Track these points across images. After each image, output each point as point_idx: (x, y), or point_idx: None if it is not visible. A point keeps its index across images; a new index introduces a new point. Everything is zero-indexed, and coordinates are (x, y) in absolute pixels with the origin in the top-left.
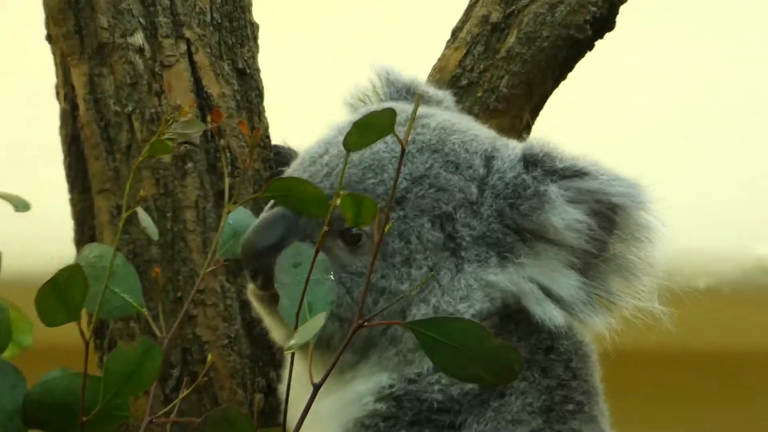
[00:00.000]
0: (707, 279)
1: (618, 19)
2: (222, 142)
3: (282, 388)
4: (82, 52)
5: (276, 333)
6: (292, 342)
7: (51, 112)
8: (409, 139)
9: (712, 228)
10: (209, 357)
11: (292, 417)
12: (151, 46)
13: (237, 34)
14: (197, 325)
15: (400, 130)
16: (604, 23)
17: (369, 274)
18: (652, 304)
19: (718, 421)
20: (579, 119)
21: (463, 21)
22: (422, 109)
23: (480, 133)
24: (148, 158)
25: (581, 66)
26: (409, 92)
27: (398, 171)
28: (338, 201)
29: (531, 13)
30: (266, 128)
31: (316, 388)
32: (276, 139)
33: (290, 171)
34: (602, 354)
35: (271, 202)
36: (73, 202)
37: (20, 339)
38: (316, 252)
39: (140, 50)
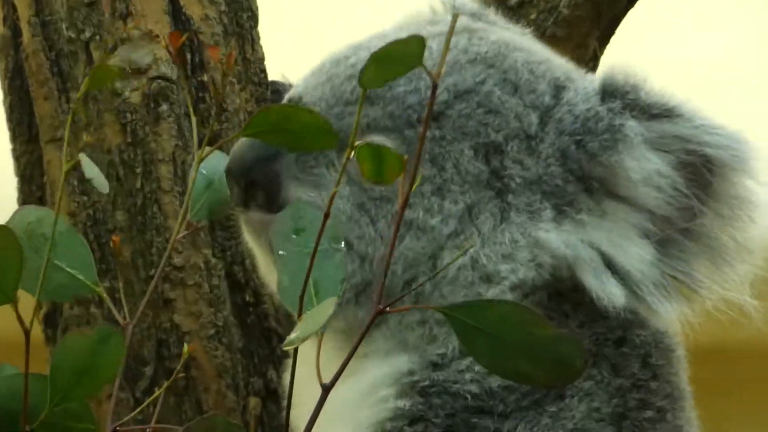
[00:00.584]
0: None
1: None
2: (205, 77)
3: (284, 382)
4: None
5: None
6: (294, 335)
7: None
8: (450, 60)
9: None
10: (185, 348)
11: (295, 418)
12: None
13: None
14: (175, 310)
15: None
16: None
17: (392, 245)
18: (741, 296)
19: None
20: (660, 50)
21: None
22: (479, 25)
23: (552, 59)
24: (111, 97)
25: None
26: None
27: (428, 112)
28: (352, 153)
29: None
30: (261, 60)
31: (326, 390)
32: (273, 74)
33: (306, 76)
34: (691, 350)
35: None
36: (17, 154)
37: None
38: (326, 217)
39: None
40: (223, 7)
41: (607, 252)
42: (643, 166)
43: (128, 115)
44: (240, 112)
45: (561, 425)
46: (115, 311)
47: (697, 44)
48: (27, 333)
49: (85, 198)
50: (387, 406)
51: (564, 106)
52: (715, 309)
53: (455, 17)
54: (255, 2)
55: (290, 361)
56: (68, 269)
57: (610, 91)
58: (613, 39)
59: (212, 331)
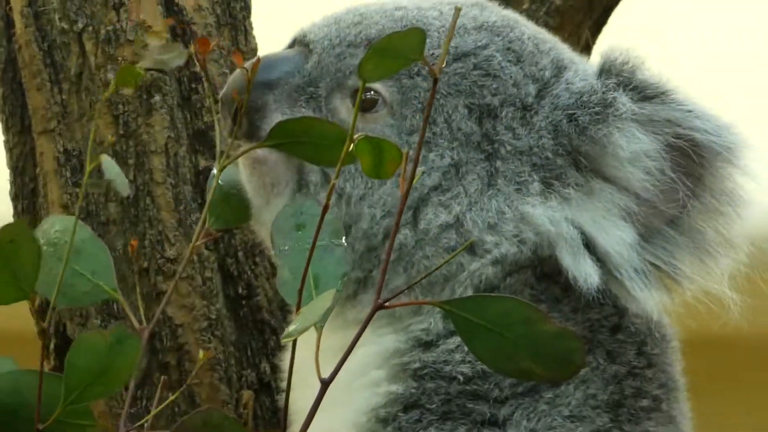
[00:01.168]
0: None
1: None
2: (197, 68)
3: (283, 366)
4: None
5: (264, 212)
6: (292, 327)
7: None
8: (458, 25)
9: None
10: (201, 354)
11: (292, 401)
12: None
13: None
14: (168, 303)
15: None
16: None
17: (391, 241)
18: (722, 288)
19: None
20: (655, 40)
21: None
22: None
23: (559, 43)
24: (104, 88)
25: None
26: None
27: (428, 107)
28: (351, 146)
29: None
30: (254, 51)
31: (325, 384)
32: None
33: (311, 24)
34: (685, 341)
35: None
36: (9, 146)
37: None
38: (324, 211)
39: None
40: None
41: (588, 232)
42: (632, 145)
43: (120, 106)
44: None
45: (557, 412)
46: (132, 316)
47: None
48: (44, 332)
49: (78, 190)
50: (379, 390)
51: (563, 83)
52: (696, 300)
53: (457, 11)
54: None
55: (285, 353)
56: (90, 276)
57: (606, 69)
58: (606, 28)
59: (205, 324)
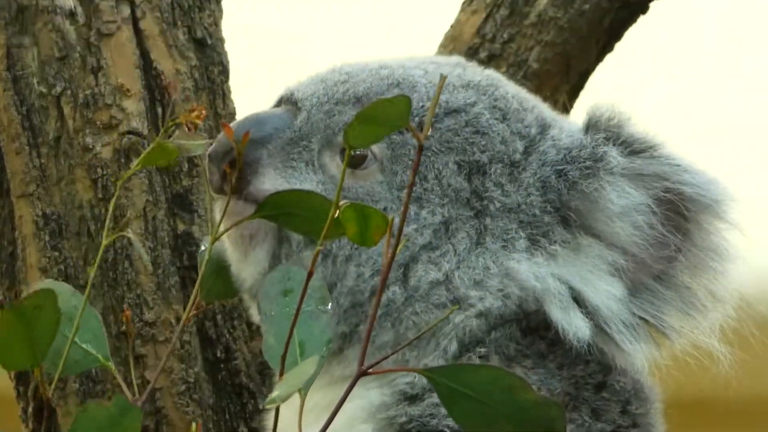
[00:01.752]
0: None
1: None
2: (176, 131)
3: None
4: None
5: (243, 268)
6: (275, 393)
7: None
8: (443, 100)
9: None
10: (193, 427)
11: None
12: (86, 9)
13: None
14: (146, 366)
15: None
16: None
17: (378, 297)
18: (711, 342)
19: None
20: (632, 101)
21: None
22: (472, 63)
23: (540, 102)
24: (82, 152)
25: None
26: None
27: (415, 168)
28: (338, 212)
29: None
30: (232, 114)
31: None
32: None
33: (297, 83)
34: (668, 402)
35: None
36: None
37: None
38: (309, 277)
39: (71, 14)
40: (194, 62)
41: (576, 287)
42: (622, 199)
43: (99, 170)
44: None
45: None
46: (125, 389)
47: None
48: (47, 401)
49: (57, 253)
50: None
51: (549, 140)
52: (684, 354)
53: (443, 78)
54: (226, 57)
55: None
56: (83, 345)
57: (593, 124)
58: (583, 92)
59: (183, 387)
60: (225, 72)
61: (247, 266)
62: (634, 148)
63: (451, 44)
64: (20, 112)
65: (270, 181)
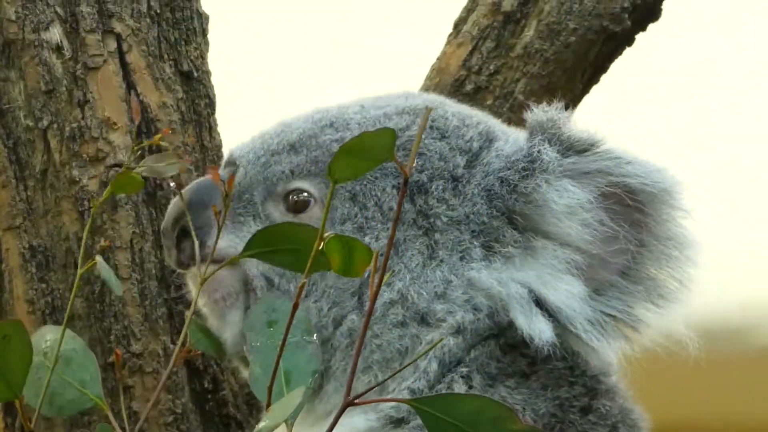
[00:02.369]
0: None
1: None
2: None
3: None
4: None
5: (224, 330)
6: (262, 424)
7: None
8: (382, 115)
9: None
10: None
11: None
12: (72, 43)
13: (181, 27)
14: (134, 397)
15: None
16: (648, 12)
17: (361, 339)
18: (680, 329)
19: None
20: (618, 131)
21: (469, 9)
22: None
23: (491, 119)
24: (68, 185)
25: (620, 66)
26: None
27: (399, 204)
28: (322, 244)
29: (553, 0)
30: (219, 147)
31: None
32: None
33: (239, 143)
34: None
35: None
36: None
37: None
38: (294, 309)
39: (58, 48)
40: (180, 95)
41: (536, 289)
42: (564, 198)
43: (86, 202)
44: None
45: None
46: (113, 420)
47: None
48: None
49: (44, 285)
50: None
51: (493, 151)
52: (654, 344)
53: (428, 111)
54: (212, 90)
55: None
56: (78, 385)
57: (533, 128)
58: None
59: (170, 418)
60: (211, 105)
61: (226, 328)
62: (575, 147)
63: (437, 76)
64: (6, 146)
65: (223, 239)
